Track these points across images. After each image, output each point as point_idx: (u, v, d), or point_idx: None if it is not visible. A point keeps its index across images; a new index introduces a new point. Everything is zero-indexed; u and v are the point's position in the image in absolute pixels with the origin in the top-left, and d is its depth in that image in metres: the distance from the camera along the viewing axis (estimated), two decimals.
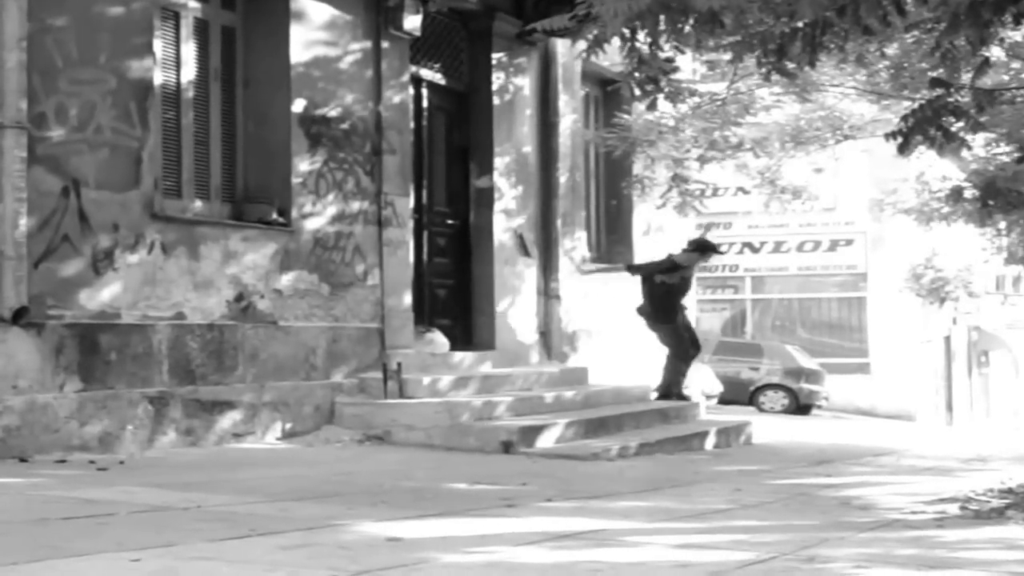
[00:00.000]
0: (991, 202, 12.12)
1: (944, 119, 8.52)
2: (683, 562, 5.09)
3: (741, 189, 20.73)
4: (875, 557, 5.39)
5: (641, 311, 14.31)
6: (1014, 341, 35.41)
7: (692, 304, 18.10)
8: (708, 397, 17.76)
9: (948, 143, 8.76)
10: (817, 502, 7.65)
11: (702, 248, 14.87)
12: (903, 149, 8.73)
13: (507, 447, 10.40)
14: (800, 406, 25.87)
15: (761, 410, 25.44)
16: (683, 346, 14.21)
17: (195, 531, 5.52)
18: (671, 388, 13.98)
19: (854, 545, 5.76)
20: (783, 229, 28.40)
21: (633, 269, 14.73)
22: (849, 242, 29.19)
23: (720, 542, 5.75)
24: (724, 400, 22.20)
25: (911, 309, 28.17)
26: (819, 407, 26.25)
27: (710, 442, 12.25)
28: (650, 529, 6.14)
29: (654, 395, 13.88)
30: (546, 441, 10.72)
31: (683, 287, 14.61)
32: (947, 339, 29.67)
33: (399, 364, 11.18)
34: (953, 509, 7.18)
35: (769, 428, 14.68)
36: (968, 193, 12.84)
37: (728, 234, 28.39)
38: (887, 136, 8.64)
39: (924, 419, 27.08)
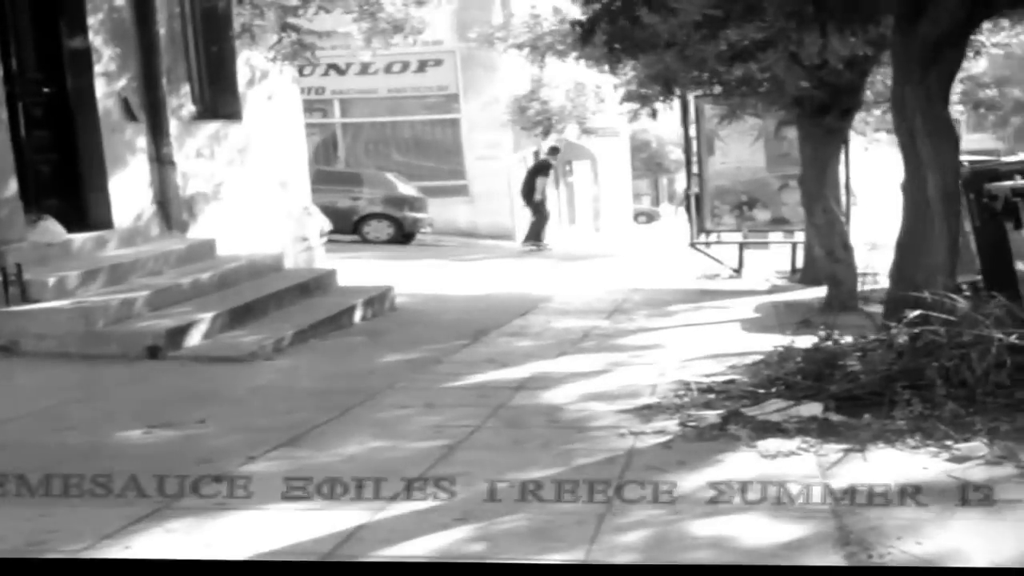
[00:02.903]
0: (618, 46, 12.01)
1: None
2: None
3: (323, 8, 19.88)
4: (659, 542, 5.11)
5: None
6: (595, 147, 36.40)
7: None
8: (322, 235, 17.24)
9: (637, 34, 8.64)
10: (525, 423, 7.32)
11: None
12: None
13: (154, 352, 9.70)
14: (405, 234, 25.75)
15: (366, 240, 25.13)
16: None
17: None
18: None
19: (631, 515, 5.42)
20: (369, 50, 27.38)
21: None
22: (439, 63, 28.61)
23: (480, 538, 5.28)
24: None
25: (504, 128, 28.30)
26: (424, 234, 26.19)
27: (359, 315, 11.93)
28: (400, 520, 5.53)
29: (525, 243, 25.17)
30: (194, 339, 10.08)
31: None
32: (536, 154, 30.04)
33: (19, 265, 10.12)
34: (672, 426, 7.07)
35: (388, 274, 14.48)
36: (597, 39, 12.70)
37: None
38: (572, 24, 8.38)
39: (520, 237, 27.55)
